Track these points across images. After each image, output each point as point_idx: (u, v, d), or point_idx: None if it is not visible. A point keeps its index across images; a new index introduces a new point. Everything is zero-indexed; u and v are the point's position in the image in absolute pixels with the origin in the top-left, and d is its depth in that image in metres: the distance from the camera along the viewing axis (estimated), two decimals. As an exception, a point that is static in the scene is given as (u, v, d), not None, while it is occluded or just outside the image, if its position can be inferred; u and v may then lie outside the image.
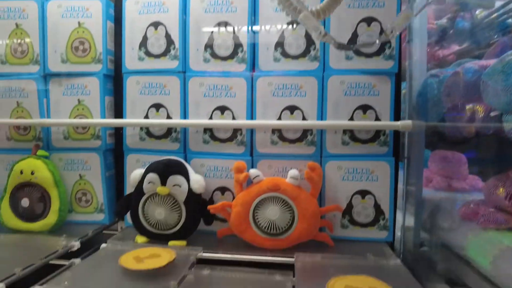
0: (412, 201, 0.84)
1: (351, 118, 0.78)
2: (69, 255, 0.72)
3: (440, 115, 0.79)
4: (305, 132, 0.79)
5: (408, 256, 0.81)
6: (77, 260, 0.69)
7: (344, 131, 0.79)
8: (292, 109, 0.79)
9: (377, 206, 0.79)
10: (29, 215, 0.82)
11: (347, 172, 0.79)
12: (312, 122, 0.78)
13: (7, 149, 0.89)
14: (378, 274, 0.60)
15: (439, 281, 0.75)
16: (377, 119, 0.78)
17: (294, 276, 0.67)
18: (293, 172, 0.75)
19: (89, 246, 0.78)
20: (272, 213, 0.73)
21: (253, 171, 0.76)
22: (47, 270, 0.65)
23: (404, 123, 0.75)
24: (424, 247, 0.85)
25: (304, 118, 0.79)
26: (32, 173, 0.81)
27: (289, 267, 0.70)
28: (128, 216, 0.82)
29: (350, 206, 0.79)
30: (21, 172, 0.81)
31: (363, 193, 0.79)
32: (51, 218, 0.81)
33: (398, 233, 0.83)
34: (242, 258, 0.71)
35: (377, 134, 0.79)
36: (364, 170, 0.78)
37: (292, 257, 0.70)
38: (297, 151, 0.80)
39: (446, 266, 0.77)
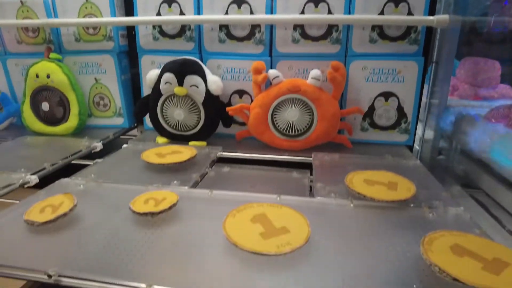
0: (434, 110, 0.81)
1: (381, 13, 0.71)
2: (92, 155, 0.74)
3: (482, 9, 0.71)
4: (330, 28, 0.73)
5: (425, 163, 0.81)
6: (100, 160, 0.72)
7: (373, 28, 0.72)
8: (316, 1, 0.72)
9: (400, 109, 0.76)
10: (50, 119, 0.83)
11: (372, 73, 0.74)
12: (339, 16, 0.71)
13: (20, 53, 0.87)
14: (397, 171, 0.60)
15: (454, 185, 0.75)
16: (409, 13, 0.71)
17: (311, 174, 0.69)
18: (315, 72, 0.71)
19: (110, 148, 0.80)
20: (291, 115, 0.72)
21: (272, 72, 0.72)
22: (72, 169, 0.68)
23: (439, 18, 0.68)
24: (442, 156, 0.85)
25: (330, 12, 0.72)
26: (48, 76, 0.80)
27: (307, 166, 0.71)
28: (147, 119, 0.82)
29: (372, 108, 0.77)
30: (37, 76, 0.80)
31: (387, 95, 0.75)
32: (72, 121, 0.82)
33: (416, 143, 0.82)
34: (260, 157, 0.72)
35: (408, 31, 0.72)
36: (390, 71, 0.74)
37: (310, 157, 0.71)
38: (320, 50, 0.75)
39: (463, 172, 0.77)
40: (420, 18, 0.70)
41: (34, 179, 0.59)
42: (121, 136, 0.87)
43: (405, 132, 0.77)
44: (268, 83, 0.75)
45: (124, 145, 0.76)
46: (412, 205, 0.49)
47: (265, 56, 0.77)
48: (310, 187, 0.63)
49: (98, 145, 0.76)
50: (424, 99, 0.80)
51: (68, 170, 0.67)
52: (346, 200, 0.51)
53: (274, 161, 0.72)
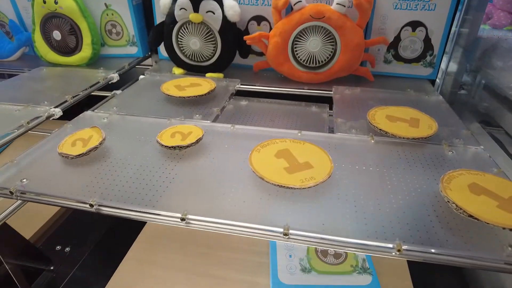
0: (462, 41, 0.76)
1: None
2: (109, 86, 0.74)
3: None
4: None
5: (445, 98, 0.79)
6: (118, 92, 0.72)
7: None
8: None
9: (427, 40, 0.72)
10: (63, 48, 0.81)
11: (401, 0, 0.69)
12: None
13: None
14: (419, 107, 0.59)
15: (474, 122, 0.74)
16: None
17: (330, 109, 0.68)
18: (340, -3, 0.66)
19: (126, 79, 0.79)
20: (313, 45, 0.69)
21: (294, -4, 0.67)
22: (90, 101, 0.68)
23: None
24: (463, 90, 0.82)
25: None
26: (56, 2, 0.76)
27: (326, 100, 0.70)
28: (161, 48, 0.80)
29: (397, 39, 0.73)
30: (44, 2, 0.76)
31: (415, 25, 0.71)
32: (86, 51, 0.80)
33: (438, 76, 0.79)
34: (279, 91, 0.71)
35: (446, -51, 0.64)
36: (422, -4, 0.68)
37: (330, 90, 0.70)
38: (346, -28, 0.68)
39: (484, 109, 0.76)
40: None
41: (58, 111, 0.60)
42: (136, 66, 0.85)
43: (429, 66, 0.74)
44: (289, 9, 0.70)
45: (141, 76, 0.75)
46: (432, 143, 0.50)
47: (286, -22, 0.71)
48: (329, 121, 0.63)
49: (115, 76, 0.75)
50: (452, 29, 0.75)
51: (87, 101, 0.68)
52: (367, 136, 0.51)
53: (293, 95, 0.71)
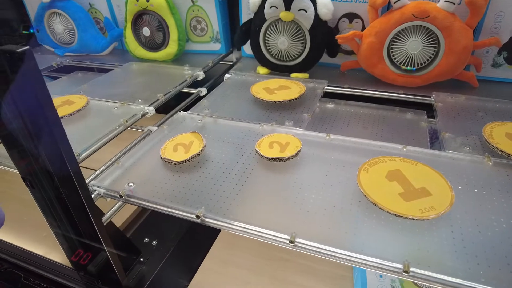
0: None
1: None
2: (194, 84, 0.75)
3: None
4: None
5: None
6: (203, 89, 0.72)
7: None
8: None
9: (551, 40, 0.62)
10: (151, 44, 0.84)
11: (524, -7, 0.60)
12: None
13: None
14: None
15: None
16: None
17: (429, 117, 0.63)
18: (450, -7, 0.59)
19: (209, 76, 0.79)
20: (413, 46, 0.63)
21: (395, -7, 0.61)
22: (178, 96, 0.70)
23: None
24: None
25: None
26: (147, 0, 0.78)
27: (422, 106, 0.64)
28: (245, 46, 0.79)
29: (512, 40, 0.64)
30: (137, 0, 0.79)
31: (538, 23, 0.61)
32: (172, 47, 0.82)
33: None
34: (372, 94, 0.66)
35: None
36: (551, -10, 0.58)
37: (428, 96, 0.64)
38: (459, -36, 0.61)
39: None
40: None
41: (151, 110, 0.62)
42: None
43: (551, 70, 0.64)
44: (385, 7, 0.64)
45: (227, 75, 0.75)
46: None
47: (385, -28, 0.65)
48: (431, 133, 0.58)
49: (201, 74, 0.76)
50: None
51: (175, 97, 0.70)
52: (482, 157, 0.46)
53: (381, 98, 0.66)
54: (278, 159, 0.44)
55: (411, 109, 0.65)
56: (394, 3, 0.62)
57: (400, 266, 0.32)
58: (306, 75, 0.72)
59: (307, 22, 0.66)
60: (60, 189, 0.42)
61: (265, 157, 0.44)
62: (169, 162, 0.45)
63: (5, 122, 0.37)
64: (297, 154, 0.45)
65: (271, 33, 0.70)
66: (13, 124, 0.37)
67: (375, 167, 0.41)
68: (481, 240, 0.34)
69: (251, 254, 0.64)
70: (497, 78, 0.68)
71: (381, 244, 0.34)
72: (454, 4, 0.59)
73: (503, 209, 0.38)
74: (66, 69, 0.92)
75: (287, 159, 0.44)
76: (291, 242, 0.35)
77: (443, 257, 0.32)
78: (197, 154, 0.45)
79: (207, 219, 0.39)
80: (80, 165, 0.41)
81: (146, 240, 0.66)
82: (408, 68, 0.65)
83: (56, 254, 0.61)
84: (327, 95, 0.69)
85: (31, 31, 1.01)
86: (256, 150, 0.46)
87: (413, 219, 0.35)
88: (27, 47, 0.32)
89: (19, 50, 0.31)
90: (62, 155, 0.37)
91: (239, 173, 0.44)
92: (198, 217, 0.38)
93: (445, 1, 0.59)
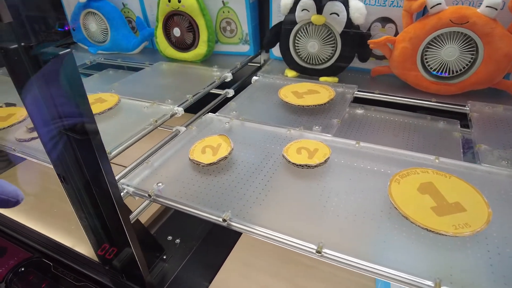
0: None
1: None
2: (221, 85, 0.75)
3: None
4: None
5: None
6: (230, 91, 0.73)
7: None
8: None
9: None
10: (181, 45, 0.85)
11: None
12: None
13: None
14: None
15: None
16: None
17: (462, 126, 0.60)
18: (492, -2, 0.56)
19: (236, 77, 0.80)
20: (449, 53, 0.61)
21: (432, -3, 0.59)
22: (205, 97, 0.70)
23: None
24: None
25: None
26: (179, 0, 0.79)
27: (456, 115, 0.62)
28: (274, 49, 0.79)
29: (559, 47, 0.60)
30: (169, 0, 0.80)
31: None
32: (202, 48, 0.83)
33: None
34: (404, 101, 0.64)
35: None
36: None
37: (463, 105, 0.61)
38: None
39: None
40: None
41: (180, 110, 0.62)
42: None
43: None
44: (422, 11, 0.62)
45: (254, 77, 0.75)
46: None
47: (423, -25, 0.63)
48: (463, 143, 0.56)
49: (229, 76, 0.77)
50: None
51: (203, 97, 0.71)
52: (522, 171, 0.44)
53: (414, 106, 0.64)
54: (306, 165, 0.44)
55: (444, 118, 0.63)
56: (431, 8, 0.60)
57: (431, 284, 0.31)
58: (335, 79, 0.71)
59: (338, 26, 0.65)
60: (91, 186, 0.43)
61: (293, 163, 0.44)
62: (197, 164, 0.46)
63: (43, 120, 0.39)
64: (326, 161, 0.44)
65: (301, 36, 0.69)
66: (51, 123, 0.38)
67: (407, 178, 0.40)
68: (520, 262, 0.32)
69: (273, 258, 0.64)
70: (539, 88, 0.64)
71: (412, 259, 0.33)
72: (496, 9, 0.56)
73: (545, 229, 0.36)
74: (98, 67, 0.95)
75: (316, 166, 0.43)
76: (318, 252, 0.34)
77: (479, 278, 0.31)
78: (225, 157, 0.46)
79: (233, 223, 0.39)
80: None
81: (170, 238, 0.67)
82: (441, 74, 0.63)
83: (83, 246, 0.63)
84: (357, 101, 0.68)
85: (66, 28, 1.05)
86: (283, 156, 0.45)
87: (446, 235, 0.34)
88: (69, 49, 0.33)
89: (61, 52, 0.33)
90: (95, 154, 0.38)
91: (266, 178, 0.44)
92: (224, 220, 0.39)
93: (487, 6, 0.57)
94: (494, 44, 0.58)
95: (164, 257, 0.63)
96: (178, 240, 0.67)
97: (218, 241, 0.68)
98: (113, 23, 0.93)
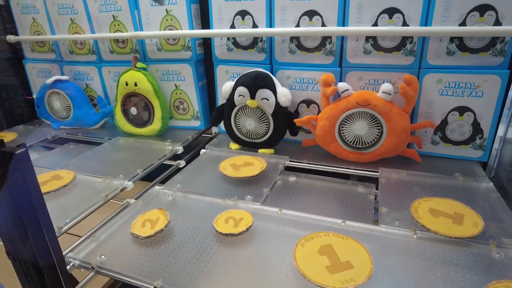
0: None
1: (463, 23, 0.67)
2: (174, 156, 0.84)
3: None
4: (404, 40, 0.71)
5: (502, 174, 0.76)
6: (181, 162, 0.81)
7: (451, 39, 0.69)
8: (391, 12, 0.70)
9: (475, 124, 0.72)
10: (138, 122, 0.95)
11: (447, 86, 0.71)
12: (415, 28, 0.69)
13: (112, 61, 0.99)
14: (466, 196, 0.60)
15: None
16: (497, 23, 0.65)
17: (376, 189, 0.70)
18: (386, 86, 0.70)
19: (189, 148, 0.89)
20: (359, 128, 0.73)
21: (342, 85, 0.73)
22: (160, 167, 0.78)
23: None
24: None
25: (405, 24, 0.69)
26: (136, 84, 0.90)
27: (371, 179, 0.73)
28: (221, 125, 0.90)
29: (444, 122, 0.74)
30: (126, 84, 0.91)
31: (462, 110, 0.72)
32: (156, 124, 0.93)
33: (495, 147, 0.76)
34: (325, 169, 0.75)
35: (493, 42, 0.67)
36: (468, 84, 0.70)
37: (377, 171, 0.72)
38: (392, 62, 0.73)
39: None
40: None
41: (130, 185, 0.69)
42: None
43: (479, 148, 0.74)
44: (337, 95, 0.76)
45: (202, 150, 0.85)
46: (478, 242, 0.50)
47: (335, 66, 0.78)
48: (374, 204, 0.66)
49: (180, 149, 0.86)
50: (506, 111, 0.75)
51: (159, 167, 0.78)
52: (409, 231, 0.53)
53: (337, 173, 0.75)
54: (230, 234, 0.51)
55: (362, 182, 0.74)
56: (341, 93, 0.73)
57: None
58: (271, 150, 0.82)
59: (269, 108, 0.77)
60: (39, 262, 0.48)
61: (220, 233, 0.51)
62: (136, 237, 0.52)
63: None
64: (247, 229, 0.52)
65: (240, 115, 0.81)
66: (5, 211, 0.44)
67: (311, 242, 0.48)
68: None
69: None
70: (438, 153, 0.77)
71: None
72: (390, 94, 0.71)
73: (419, 280, 0.44)
74: (60, 141, 1.02)
75: (238, 234, 0.51)
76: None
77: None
78: (161, 230, 0.53)
79: (164, 290, 0.45)
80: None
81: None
82: (356, 145, 0.75)
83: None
84: (290, 169, 0.78)
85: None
86: (213, 226, 0.53)
87: (334, 290, 0.41)
88: (24, 149, 0.41)
89: (17, 152, 0.40)
90: (46, 241, 0.44)
91: (197, 247, 0.51)
92: (155, 288, 0.45)
93: (383, 92, 0.71)
94: (393, 121, 0.71)
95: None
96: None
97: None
98: (76, 101, 1.02)
